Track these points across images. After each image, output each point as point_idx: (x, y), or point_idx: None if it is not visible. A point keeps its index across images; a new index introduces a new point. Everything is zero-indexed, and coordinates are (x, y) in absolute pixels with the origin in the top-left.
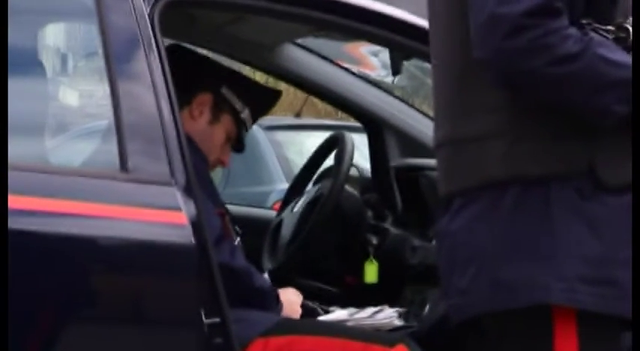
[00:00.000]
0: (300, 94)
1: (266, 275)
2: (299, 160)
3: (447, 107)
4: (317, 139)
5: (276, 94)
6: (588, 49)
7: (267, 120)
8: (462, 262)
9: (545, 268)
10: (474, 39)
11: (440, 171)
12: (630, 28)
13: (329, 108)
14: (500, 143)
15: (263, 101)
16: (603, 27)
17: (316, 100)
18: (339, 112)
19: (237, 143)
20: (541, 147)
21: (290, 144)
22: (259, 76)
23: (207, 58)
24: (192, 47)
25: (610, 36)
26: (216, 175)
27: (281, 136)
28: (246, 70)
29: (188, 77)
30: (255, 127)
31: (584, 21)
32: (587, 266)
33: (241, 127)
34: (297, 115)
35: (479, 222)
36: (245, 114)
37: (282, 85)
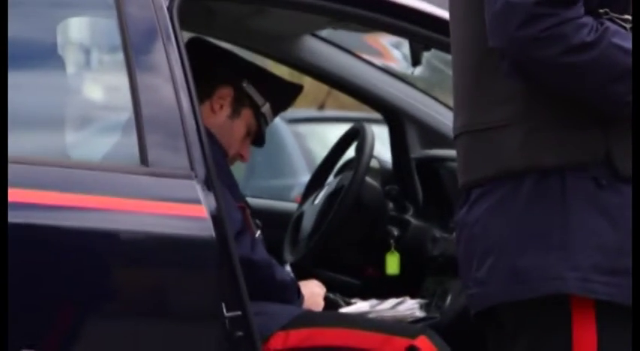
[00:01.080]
0: (323, 87)
1: (288, 268)
2: (322, 153)
3: (465, 97)
4: (340, 131)
5: (297, 89)
6: (603, 39)
7: (290, 113)
8: (479, 253)
9: (560, 257)
10: (488, 28)
11: (459, 161)
12: None
13: (353, 100)
14: (516, 132)
15: (284, 96)
16: (620, 16)
17: (339, 93)
18: (364, 105)
19: (258, 137)
20: (557, 136)
21: (313, 136)
22: (283, 70)
23: (228, 52)
24: (214, 40)
25: (627, 25)
26: (240, 167)
27: (304, 128)
28: (270, 64)
29: (209, 71)
30: (278, 120)
31: (600, 10)
32: (602, 256)
33: (262, 121)
34: (321, 107)
35: (496, 212)
36: (265, 108)
37: (306, 78)
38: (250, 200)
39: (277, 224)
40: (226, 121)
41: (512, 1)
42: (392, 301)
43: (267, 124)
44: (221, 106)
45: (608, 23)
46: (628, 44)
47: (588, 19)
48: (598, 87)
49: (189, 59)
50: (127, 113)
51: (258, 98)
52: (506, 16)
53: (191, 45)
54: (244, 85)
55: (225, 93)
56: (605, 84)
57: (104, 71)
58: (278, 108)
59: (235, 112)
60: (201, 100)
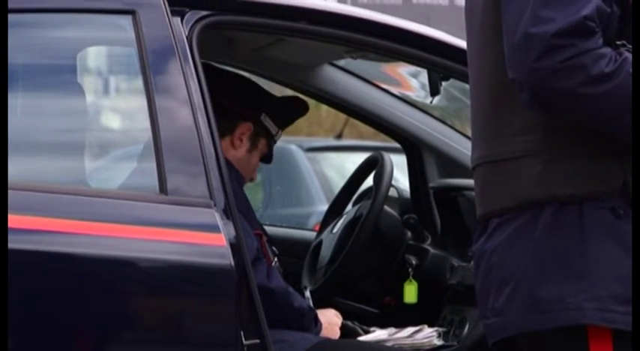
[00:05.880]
0: (341, 116)
1: (308, 294)
2: (340, 182)
3: (483, 128)
4: (357, 160)
5: (303, 106)
6: (622, 69)
7: (308, 141)
8: (497, 283)
9: (579, 288)
10: (507, 59)
11: (477, 192)
12: None
13: (371, 129)
14: (535, 163)
15: (291, 114)
16: None
17: (358, 122)
18: (382, 134)
19: (266, 156)
20: (575, 167)
21: (331, 165)
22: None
23: (249, 83)
24: (238, 72)
25: None
26: (258, 196)
27: (322, 157)
28: (290, 93)
29: (230, 106)
30: (296, 149)
31: (618, 42)
32: (621, 286)
33: (272, 144)
34: (338, 136)
35: (513, 242)
36: (278, 134)
37: (323, 107)
38: (269, 229)
39: (295, 253)
40: (245, 155)
41: (531, 32)
42: (410, 330)
43: (275, 142)
44: (241, 141)
45: (626, 54)
46: None
47: (607, 50)
48: (616, 117)
49: (208, 90)
50: (146, 142)
51: (272, 128)
52: (525, 48)
53: (209, 75)
54: (262, 118)
55: (246, 128)
56: (623, 114)
57: (124, 100)
58: (284, 125)
59: (253, 146)
60: (222, 135)
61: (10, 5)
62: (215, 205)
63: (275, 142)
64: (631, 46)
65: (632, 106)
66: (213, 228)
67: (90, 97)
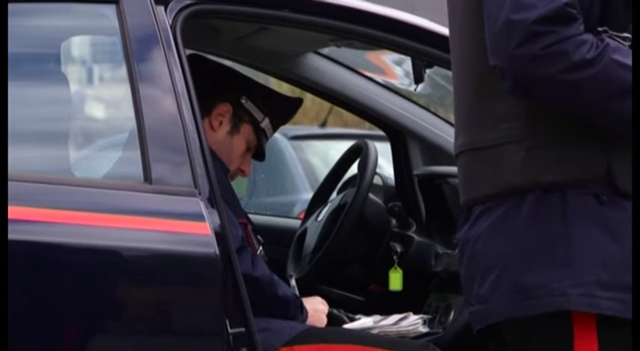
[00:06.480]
0: (326, 104)
1: (294, 282)
2: (324, 170)
3: (465, 115)
4: (342, 148)
5: (296, 103)
6: (604, 55)
7: (292, 130)
8: (481, 270)
9: (563, 274)
10: (489, 47)
11: (460, 179)
12: None
13: (355, 117)
14: (517, 150)
15: (283, 110)
16: (619, 34)
17: (342, 110)
18: (366, 122)
19: (258, 152)
20: (558, 153)
21: (315, 154)
22: (285, 87)
23: (226, 68)
24: (212, 57)
25: (626, 43)
26: (242, 185)
27: (306, 145)
28: (273, 81)
29: (207, 88)
30: (280, 137)
31: (600, 28)
32: (605, 271)
33: (261, 136)
34: (323, 124)
35: (497, 229)
36: (265, 123)
37: (307, 95)
38: (253, 217)
39: (280, 241)
40: (226, 138)
41: (512, 19)
42: (395, 317)
43: (267, 138)
44: (220, 123)
45: (608, 40)
46: (629, 61)
47: (588, 36)
48: (599, 104)
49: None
50: (130, 131)
51: (257, 114)
52: (506, 35)
53: (189, 62)
54: (243, 101)
55: (224, 110)
56: (606, 100)
57: (108, 89)
58: (277, 123)
59: (234, 129)
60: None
61: None
62: (200, 193)
63: (267, 136)
64: (612, 33)
65: (632, 101)
66: (198, 217)
67: (74, 87)
